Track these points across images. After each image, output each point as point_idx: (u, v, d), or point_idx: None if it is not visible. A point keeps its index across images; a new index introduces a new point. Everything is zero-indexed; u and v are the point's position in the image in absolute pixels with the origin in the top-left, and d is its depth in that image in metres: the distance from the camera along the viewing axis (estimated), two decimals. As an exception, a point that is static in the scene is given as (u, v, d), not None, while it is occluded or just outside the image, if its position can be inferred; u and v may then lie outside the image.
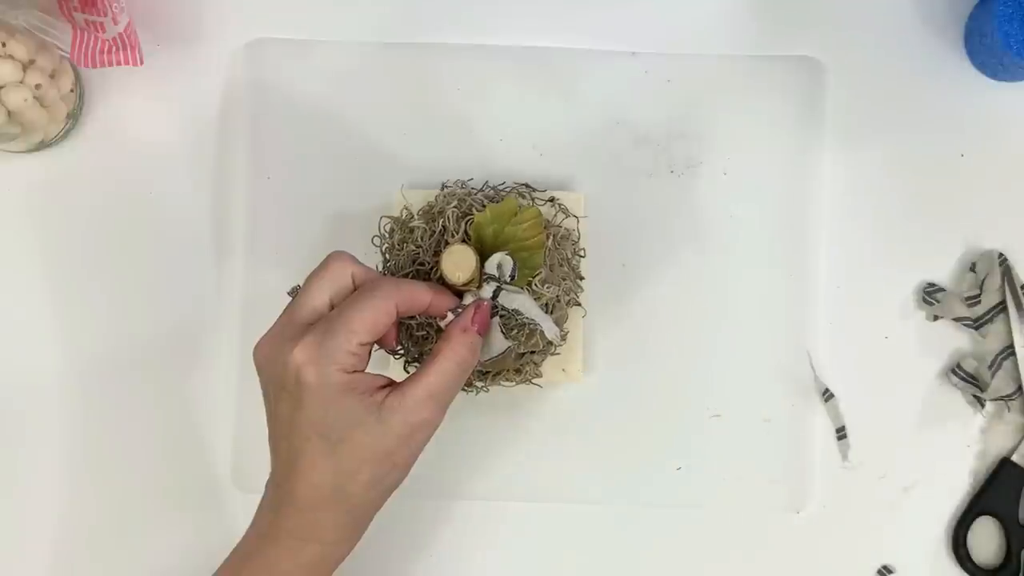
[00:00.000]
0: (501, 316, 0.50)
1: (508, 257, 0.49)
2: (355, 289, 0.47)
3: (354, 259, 0.48)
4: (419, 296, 0.46)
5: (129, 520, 0.62)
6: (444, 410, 0.46)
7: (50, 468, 0.62)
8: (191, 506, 0.62)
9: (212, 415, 0.62)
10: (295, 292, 0.48)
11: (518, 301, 0.50)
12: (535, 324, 0.50)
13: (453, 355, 0.46)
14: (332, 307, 0.46)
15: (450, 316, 0.48)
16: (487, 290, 0.49)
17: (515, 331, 0.51)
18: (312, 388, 0.43)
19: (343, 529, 0.46)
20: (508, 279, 0.49)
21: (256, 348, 0.46)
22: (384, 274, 0.55)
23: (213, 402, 0.62)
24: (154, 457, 0.62)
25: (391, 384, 0.46)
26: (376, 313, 0.44)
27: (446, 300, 0.48)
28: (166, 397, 0.62)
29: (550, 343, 0.53)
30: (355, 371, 0.44)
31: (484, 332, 0.48)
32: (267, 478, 0.48)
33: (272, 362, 0.45)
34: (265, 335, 0.46)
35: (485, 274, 0.49)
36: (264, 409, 0.47)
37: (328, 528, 0.45)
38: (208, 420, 0.62)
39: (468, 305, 0.48)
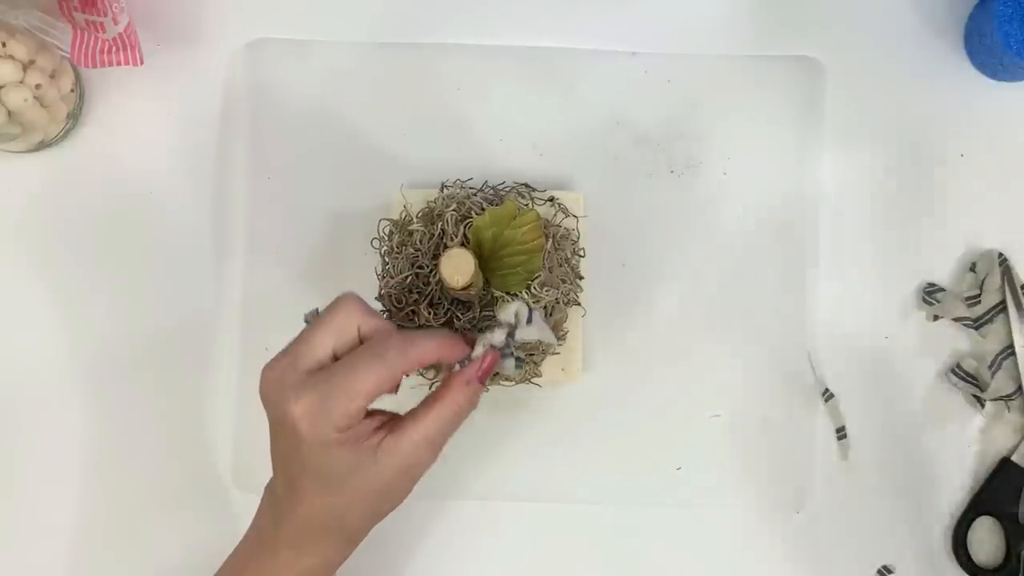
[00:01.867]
0: (516, 358, 0.49)
1: (525, 305, 0.48)
2: (360, 341, 0.46)
3: (363, 305, 0.46)
4: (427, 357, 0.45)
5: (129, 519, 0.62)
6: (439, 451, 0.46)
7: (50, 468, 0.62)
8: (191, 506, 0.62)
9: (212, 415, 0.62)
10: (309, 319, 0.47)
11: (532, 333, 0.48)
12: (543, 345, 0.50)
13: (453, 405, 0.46)
14: (336, 357, 0.45)
15: (457, 366, 0.47)
16: (499, 335, 0.47)
17: (524, 356, 0.50)
18: (308, 442, 0.43)
19: (340, 547, 0.48)
20: (525, 324, 0.48)
21: (261, 379, 0.46)
22: (387, 307, 0.54)
23: (213, 402, 0.62)
24: (154, 457, 0.62)
25: (387, 423, 0.46)
26: (379, 379, 0.43)
27: (455, 352, 0.47)
28: (166, 397, 0.62)
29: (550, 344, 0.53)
30: (351, 427, 0.44)
31: (486, 380, 0.48)
32: (267, 481, 0.48)
33: (273, 404, 0.45)
34: (269, 369, 0.45)
35: (503, 322, 0.48)
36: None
37: (325, 547, 0.47)
38: (208, 420, 0.62)
39: (476, 359, 0.47)
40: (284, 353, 0.46)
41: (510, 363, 0.48)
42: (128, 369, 0.62)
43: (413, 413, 0.46)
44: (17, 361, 0.62)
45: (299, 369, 0.44)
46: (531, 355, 0.54)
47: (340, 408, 0.43)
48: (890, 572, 0.61)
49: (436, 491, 0.61)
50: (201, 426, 0.62)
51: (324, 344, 0.45)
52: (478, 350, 0.47)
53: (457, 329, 0.53)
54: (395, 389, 0.48)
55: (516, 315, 0.47)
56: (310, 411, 0.43)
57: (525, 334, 0.48)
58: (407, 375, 0.46)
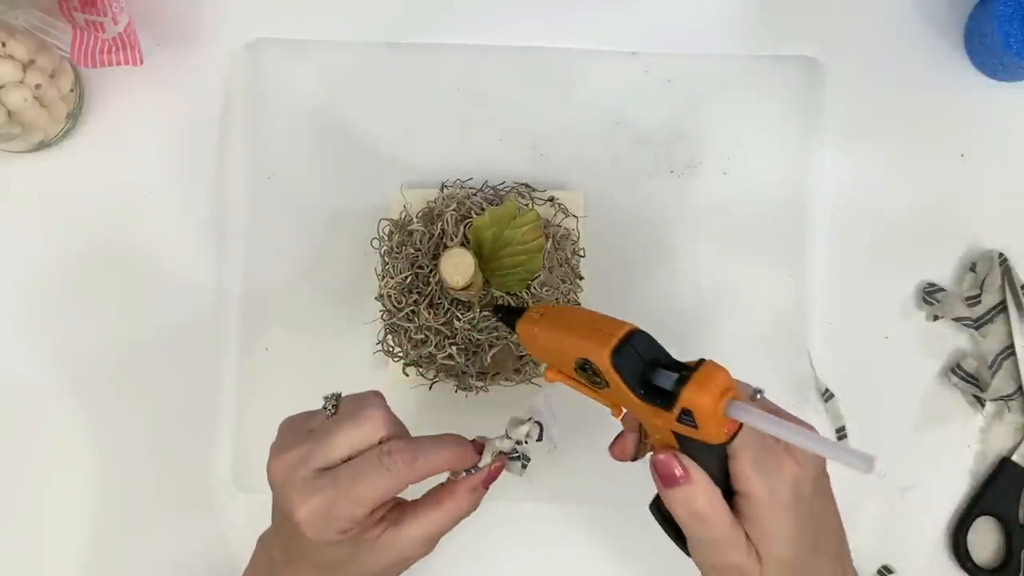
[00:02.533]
0: (522, 463, 0.49)
1: (537, 424, 0.48)
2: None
3: (388, 415, 0.45)
4: (435, 469, 0.45)
5: (130, 519, 0.62)
6: (434, 547, 0.47)
7: (50, 468, 0.62)
8: (192, 506, 0.62)
9: (212, 415, 0.62)
10: (330, 406, 0.46)
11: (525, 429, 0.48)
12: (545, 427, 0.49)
13: (456, 509, 0.46)
14: (350, 458, 0.45)
15: (463, 473, 0.47)
16: (507, 444, 0.47)
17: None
18: (310, 540, 0.44)
19: None
20: (530, 442, 0.48)
21: (270, 463, 0.45)
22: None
23: (213, 402, 0.62)
24: (155, 457, 0.62)
25: (389, 513, 0.46)
26: (386, 491, 0.43)
27: (463, 460, 0.47)
28: (166, 397, 0.62)
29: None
30: (353, 528, 0.44)
31: (490, 485, 0.48)
32: (263, 532, 0.49)
33: (279, 496, 0.45)
34: (279, 457, 0.45)
35: (513, 439, 0.48)
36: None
37: None
38: (208, 420, 0.62)
39: (483, 468, 0.47)
40: (299, 443, 0.45)
41: (516, 465, 0.48)
42: (128, 369, 0.62)
43: (415, 508, 0.46)
44: (16, 361, 0.62)
45: (310, 467, 0.44)
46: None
47: (346, 515, 0.43)
48: (890, 572, 0.61)
49: (436, 491, 0.61)
50: (201, 427, 0.62)
51: (341, 451, 0.44)
52: (486, 459, 0.47)
53: (457, 330, 0.53)
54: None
55: (528, 436, 0.48)
56: (315, 515, 0.43)
57: (519, 434, 0.48)
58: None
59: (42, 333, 0.62)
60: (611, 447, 0.47)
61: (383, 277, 0.55)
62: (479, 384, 0.56)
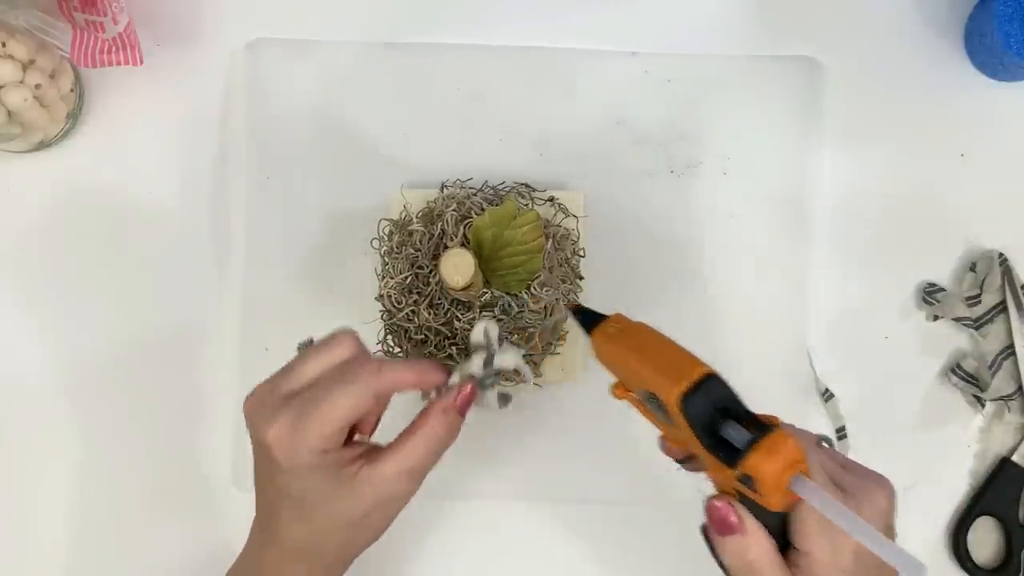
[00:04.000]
0: (500, 394, 0.48)
1: (493, 323, 0.47)
2: None
3: (358, 342, 0.46)
4: (401, 381, 0.45)
5: (129, 519, 0.62)
6: (419, 483, 0.46)
7: (50, 468, 0.62)
8: (192, 506, 0.62)
9: (212, 415, 0.62)
10: (302, 348, 0.47)
11: (508, 360, 0.48)
12: (519, 377, 0.49)
13: (431, 434, 0.45)
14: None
15: (433, 393, 0.47)
16: (476, 363, 0.47)
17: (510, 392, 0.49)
18: (282, 467, 0.43)
19: (320, 573, 0.47)
20: (496, 346, 0.47)
21: (245, 401, 0.46)
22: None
23: (213, 402, 0.62)
24: (155, 457, 0.62)
25: (366, 452, 0.45)
26: (354, 403, 0.43)
27: (432, 378, 0.46)
28: (166, 397, 0.62)
29: (550, 343, 0.53)
30: (326, 451, 0.44)
31: (466, 411, 0.47)
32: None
33: (252, 425, 0.45)
34: (255, 390, 0.45)
35: (474, 344, 0.47)
36: None
37: (304, 574, 0.46)
38: (208, 420, 0.62)
39: (453, 387, 0.46)
40: (269, 379, 0.45)
41: (492, 396, 0.47)
42: (128, 369, 0.62)
43: (391, 444, 0.46)
44: (16, 361, 0.62)
45: (278, 393, 0.44)
46: (530, 354, 0.54)
47: (314, 431, 0.42)
48: (890, 572, 0.61)
49: (436, 491, 0.61)
50: (201, 426, 0.62)
51: (309, 374, 0.44)
52: (454, 378, 0.46)
53: (457, 330, 0.53)
54: (373, 424, 0.48)
55: (486, 333, 0.47)
56: (283, 434, 0.43)
57: (502, 361, 0.47)
58: (384, 400, 0.46)
59: (42, 333, 0.62)
60: (662, 441, 0.46)
61: (383, 277, 0.55)
62: (479, 384, 0.56)
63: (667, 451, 0.46)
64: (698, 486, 0.60)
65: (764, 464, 0.37)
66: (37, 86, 0.57)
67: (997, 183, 0.62)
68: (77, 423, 0.62)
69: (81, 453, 0.62)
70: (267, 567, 0.46)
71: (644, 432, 0.61)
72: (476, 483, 0.61)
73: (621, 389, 0.44)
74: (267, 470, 0.44)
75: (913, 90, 0.63)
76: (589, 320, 0.46)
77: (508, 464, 0.61)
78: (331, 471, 0.44)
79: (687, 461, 0.45)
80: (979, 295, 0.61)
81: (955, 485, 0.61)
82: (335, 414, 0.43)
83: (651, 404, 0.42)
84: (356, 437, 0.47)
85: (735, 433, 0.39)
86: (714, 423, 0.39)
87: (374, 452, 0.45)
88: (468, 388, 0.46)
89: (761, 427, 0.38)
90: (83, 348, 0.62)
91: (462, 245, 0.52)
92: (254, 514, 0.48)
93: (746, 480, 0.38)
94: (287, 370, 0.45)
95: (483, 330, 0.47)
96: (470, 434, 0.60)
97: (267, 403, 0.44)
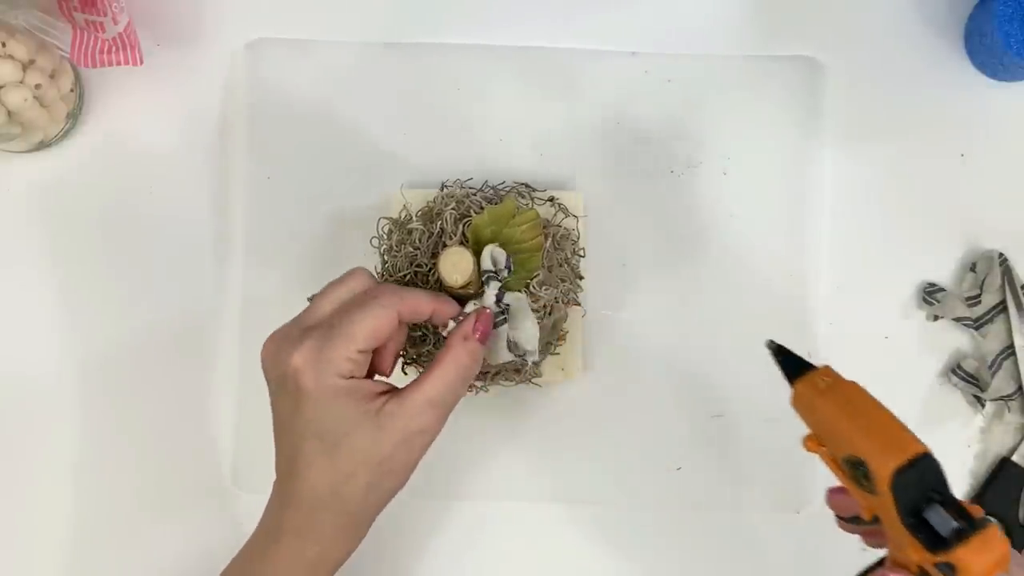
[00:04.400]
0: (507, 320, 0.49)
1: (500, 248, 0.49)
2: None
3: (372, 276, 0.48)
4: (421, 305, 0.46)
5: (129, 520, 0.62)
6: (444, 418, 0.46)
7: (50, 468, 0.62)
8: (192, 506, 0.62)
9: (212, 415, 0.62)
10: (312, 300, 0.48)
11: (518, 303, 0.49)
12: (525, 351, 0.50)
13: (454, 362, 0.46)
14: None
15: (452, 324, 0.48)
16: (490, 296, 0.48)
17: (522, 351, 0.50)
18: (309, 393, 0.43)
19: (342, 530, 0.46)
20: (506, 270, 0.49)
21: (263, 346, 0.47)
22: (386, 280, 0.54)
23: (213, 402, 0.62)
24: (155, 457, 0.62)
25: (391, 390, 0.46)
26: (377, 321, 0.44)
27: (448, 308, 0.48)
28: (166, 397, 0.62)
29: (549, 343, 0.53)
30: (353, 377, 0.44)
31: (486, 340, 0.48)
32: (273, 479, 0.48)
33: (274, 362, 0.45)
34: (272, 334, 0.47)
35: (484, 272, 0.49)
36: (268, 405, 0.47)
37: (327, 528, 0.46)
38: (208, 420, 0.62)
39: (470, 313, 0.48)
40: (287, 323, 0.47)
41: (503, 341, 0.48)
42: (128, 368, 0.62)
43: (416, 379, 0.46)
44: (16, 361, 0.62)
45: (301, 327, 0.45)
46: (521, 365, 0.54)
47: (340, 352, 0.43)
48: (890, 572, 0.61)
49: (436, 491, 0.61)
50: (201, 426, 0.62)
51: (328, 308, 0.45)
52: (469, 307, 0.48)
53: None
54: (391, 363, 0.48)
55: (494, 260, 0.48)
56: (309, 358, 0.43)
57: (512, 299, 0.49)
58: (406, 323, 0.47)
59: (42, 333, 0.62)
60: (832, 496, 0.45)
61: (382, 275, 0.55)
62: (479, 384, 0.56)
63: (835, 506, 0.45)
64: (709, 491, 0.60)
65: (977, 558, 0.37)
66: (37, 86, 0.57)
67: (997, 183, 0.62)
68: (76, 422, 0.62)
69: (80, 452, 0.62)
70: (287, 527, 0.46)
71: (644, 432, 0.61)
72: (475, 483, 0.61)
73: (814, 443, 0.43)
74: (290, 405, 0.44)
75: (913, 90, 0.63)
76: (794, 365, 0.45)
77: (507, 464, 0.61)
78: (357, 402, 0.44)
79: (858, 522, 0.44)
80: (979, 295, 0.61)
81: (955, 485, 0.61)
82: (361, 334, 0.43)
83: (852, 468, 0.41)
84: (376, 377, 0.48)
85: (939, 519, 0.38)
86: (919, 504, 0.39)
87: (397, 390, 0.45)
88: (486, 313, 0.47)
89: (965, 515, 0.38)
90: (83, 347, 0.62)
91: (461, 244, 0.52)
92: (260, 513, 0.48)
93: (945, 567, 0.37)
94: (305, 311, 0.46)
95: (489, 255, 0.48)
96: (469, 434, 0.61)
97: (289, 338, 0.45)
